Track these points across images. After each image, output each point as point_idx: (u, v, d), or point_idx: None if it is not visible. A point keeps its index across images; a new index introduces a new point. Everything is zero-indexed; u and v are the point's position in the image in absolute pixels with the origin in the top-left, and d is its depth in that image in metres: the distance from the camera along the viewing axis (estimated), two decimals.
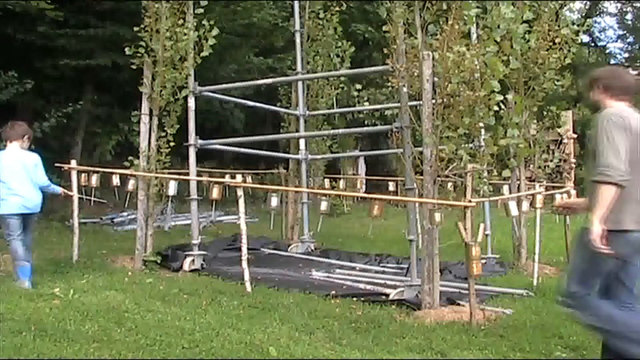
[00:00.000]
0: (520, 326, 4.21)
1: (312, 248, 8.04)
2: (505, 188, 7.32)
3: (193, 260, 6.24)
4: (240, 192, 5.61)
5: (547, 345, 3.82)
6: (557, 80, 6.48)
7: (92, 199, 8.42)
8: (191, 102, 6.50)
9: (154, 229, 6.65)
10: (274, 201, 8.11)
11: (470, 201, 4.35)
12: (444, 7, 4.82)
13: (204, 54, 6.35)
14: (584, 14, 22.31)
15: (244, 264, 5.39)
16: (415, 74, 4.79)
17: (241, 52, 12.47)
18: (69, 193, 6.13)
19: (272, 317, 4.32)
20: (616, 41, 30.00)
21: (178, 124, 6.56)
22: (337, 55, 8.50)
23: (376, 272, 6.40)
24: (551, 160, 7.60)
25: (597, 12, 27.22)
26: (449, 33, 4.62)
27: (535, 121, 7.03)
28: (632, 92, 3.16)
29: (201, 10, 6.37)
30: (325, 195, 8.50)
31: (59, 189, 5.76)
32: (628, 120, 2.98)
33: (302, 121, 8.30)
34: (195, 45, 6.37)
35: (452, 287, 5.42)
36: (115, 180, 7.92)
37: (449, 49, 4.51)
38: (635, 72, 3.59)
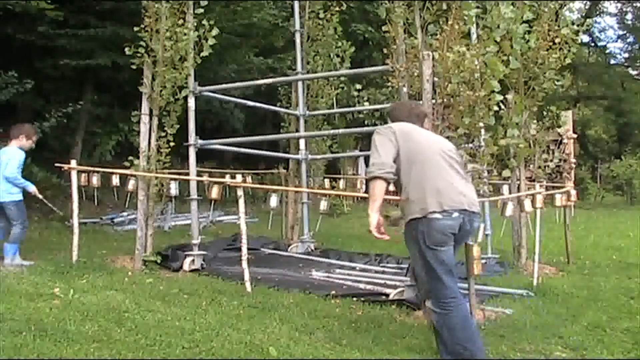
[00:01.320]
0: (520, 326, 4.21)
1: (312, 248, 8.04)
2: (505, 188, 7.33)
3: (193, 260, 6.24)
4: (240, 192, 5.61)
5: (547, 345, 3.82)
6: (557, 80, 6.47)
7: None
8: (191, 102, 6.50)
9: (154, 229, 6.64)
10: (274, 201, 8.11)
11: None
12: (444, 7, 4.83)
13: (204, 54, 6.34)
14: (584, 14, 22.32)
15: (244, 264, 5.39)
16: (415, 74, 4.80)
17: (241, 52, 12.46)
18: (39, 195, 6.38)
19: (272, 317, 4.32)
20: (616, 41, 30.12)
21: (178, 124, 6.56)
22: (337, 55, 8.50)
23: (376, 272, 6.40)
24: (551, 160, 7.59)
25: (597, 12, 27.26)
26: (449, 33, 4.63)
27: (535, 121, 7.03)
28: (416, 117, 3.73)
29: (201, 10, 6.37)
30: (325, 195, 8.50)
31: (31, 188, 6.16)
32: (395, 128, 3.48)
33: (302, 121, 8.30)
34: (195, 45, 6.36)
35: None
36: (115, 180, 7.93)
37: (449, 49, 4.51)
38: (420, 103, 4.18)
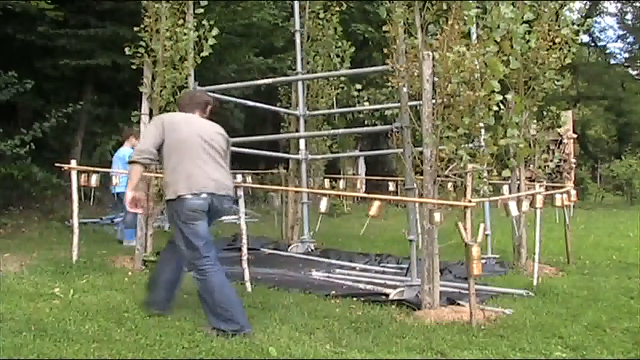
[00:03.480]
0: (520, 326, 4.21)
1: (312, 248, 8.04)
2: (505, 188, 7.33)
3: None
4: (240, 192, 5.61)
5: (547, 345, 3.82)
6: (557, 80, 6.47)
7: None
8: None
9: (154, 229, 6.64)
10: (276, 201, 8.12)
11: (470, 201, 4.35)
12: (444, 7, 4.81)
13: (204, 54, 6.34)
14: (584, 14, 22.32)
15: (244, 264, 5.39)
16: (415, 74, 4.79)
17: (241, 52, 12.47)
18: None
19: (272, 317, 4.32)
20: (616, 41, 30.17)
21: None
22: (337, 55, 8.50)
23: (376, 272, 6.40)
24: (551, 160, 7.59)
25: (597, 12, 27.26)
26: (449, 33, 4.62)
27: (535, 121, 7.04)
28: (197, 104, 4.25)
29: (201, 10, 6.37)
30: (325, 195, 8.49)
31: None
32: (164, 119, 4.09)
33: (302, 121, 8.30)
34: (195, 45, 6.36)
35: (452, 287, 5.42)
36: (115, 180, 7.92)
37: (449, 49, 4.51)
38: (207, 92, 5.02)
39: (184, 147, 3.94)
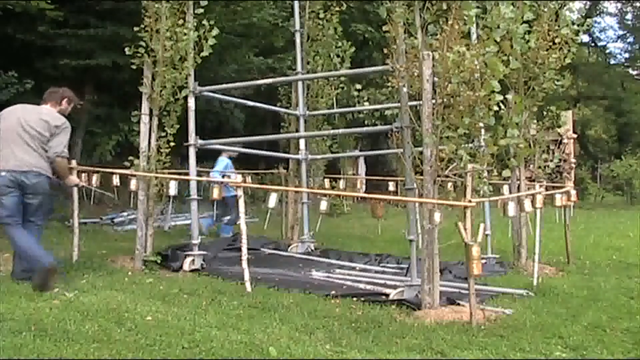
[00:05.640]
0: (520, 326, 4.22)
1: (312, 248, 8.04)
2: (505, 188, 7.33)
3: (193, 260, 6.24)
4: (240, 192, 5.61)
5: (547, 345, 3.82)
6: (557, 80, 6.47)
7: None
8: (191, 102, 6.50)
9: (154, 229, 6.64)
10: (273, 201, 8.12)
11: (470, 201, 4.35)
12: (444, 7, 4.81)
13: (204, 54, 6.34)
14: (584, 14, 22.31)
15: (244, 264, 5.39)
16: (415, 74, 4.79)
17: (241, 52, 12.45)
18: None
19: (272, 317, 4.32)
20: (616, 41, 30.20)
21: (178, 124, 6.56)
22: (337, 55, 8.49)
23: (376, 272, 6.40)
24: (551, 160, 7.60)
25: (597, 12, 27.28)
26: (449, 33, 4.62)
27: (535, 121, 7.04)
28: (53, 99, 5.33)
29: (201, 10, 6.36)
30: (325, 195, 8.50)
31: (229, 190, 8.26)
32: (3, 111, 5.14)
33: (302, 121, 8.29)
34: (195, 45, 6.36)
35: (452, 287, 5.42)
36: (115, 180, 7.92)
37: (449, 49, 4.51)
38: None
39: (6, 133, 4.98)
